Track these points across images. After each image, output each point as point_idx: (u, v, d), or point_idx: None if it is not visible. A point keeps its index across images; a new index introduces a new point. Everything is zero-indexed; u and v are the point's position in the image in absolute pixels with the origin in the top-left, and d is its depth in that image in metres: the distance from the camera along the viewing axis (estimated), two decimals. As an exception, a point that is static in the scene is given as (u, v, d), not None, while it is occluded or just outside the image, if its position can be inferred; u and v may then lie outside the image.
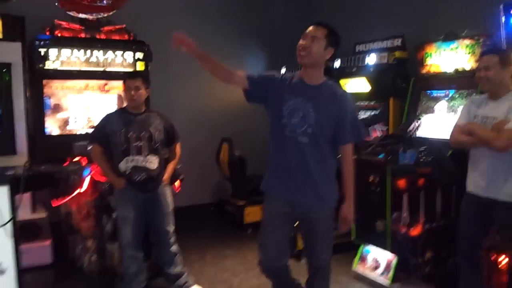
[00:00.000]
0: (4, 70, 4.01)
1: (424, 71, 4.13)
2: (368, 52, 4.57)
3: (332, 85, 2.59)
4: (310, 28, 2.49)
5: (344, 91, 2.68)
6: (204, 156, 5.63)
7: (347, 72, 4.68)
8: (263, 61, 6.16)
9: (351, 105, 2.60)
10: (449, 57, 3.90)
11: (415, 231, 3.47)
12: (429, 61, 4.08)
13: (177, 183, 3.79)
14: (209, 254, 4.49)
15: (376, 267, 3.73)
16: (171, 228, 3.49)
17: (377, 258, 3.74)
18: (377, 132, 4.46)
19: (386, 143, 3.74)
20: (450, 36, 3.89)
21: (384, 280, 3.62)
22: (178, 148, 3.64)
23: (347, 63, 4.70)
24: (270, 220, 2.62)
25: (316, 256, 2.65)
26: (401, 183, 3.53)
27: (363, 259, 3.86)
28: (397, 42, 4.39)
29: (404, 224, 3.47)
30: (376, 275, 3.70)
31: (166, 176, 3.48)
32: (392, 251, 3.64)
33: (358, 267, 3.88)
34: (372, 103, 4.59)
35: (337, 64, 4.81)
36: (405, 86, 4.23)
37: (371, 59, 4.46)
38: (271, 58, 6.08)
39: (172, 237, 3.50)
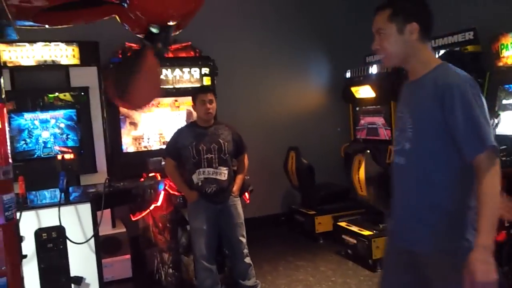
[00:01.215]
0: (82, 94, 4.31)
1: (500, 64, 3.89)
2: (439, 48, 4.36)
3: (439, 73, 1.77)
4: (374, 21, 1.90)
5: (452, 79, 1.72)
6: (272, 166, 5.63)
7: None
8: (328, 66, 6.09)
9: (462, 100, 1.67)
10: (528, 47, 3.63)
11: (499, 237, 3.22)
12: (505, 53, 3.82)
13: (247, 194, 3.82)
14: (281, 265, 4.44)
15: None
16: (243, 239, 3.52)
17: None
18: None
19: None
20: (527, 25, 3.62)
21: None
22: (246, 159, 3.67)
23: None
24: (385, 265, 2.09)
25: None
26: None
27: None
28: (469, 35, 4.15)
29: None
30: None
31: (236, 187, 3.52)
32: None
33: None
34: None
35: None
36: (481, 82, 3.98)
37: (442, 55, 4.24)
38: (335, 63, 5.97)
39: (245, 248, 3.52)
